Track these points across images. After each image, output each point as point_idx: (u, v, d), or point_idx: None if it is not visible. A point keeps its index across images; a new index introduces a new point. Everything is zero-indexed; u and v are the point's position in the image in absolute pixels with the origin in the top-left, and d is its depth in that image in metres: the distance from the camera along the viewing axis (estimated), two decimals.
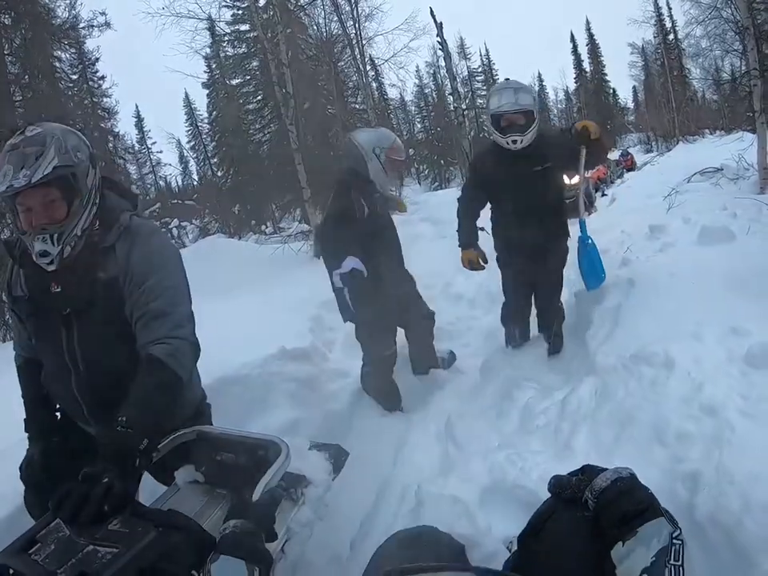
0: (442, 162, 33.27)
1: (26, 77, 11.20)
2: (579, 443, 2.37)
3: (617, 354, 2.84)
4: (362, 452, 3.06)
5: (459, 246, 3.57)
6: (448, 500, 2.13)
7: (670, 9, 31.75)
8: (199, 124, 32.32)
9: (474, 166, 3.66)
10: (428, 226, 9.25)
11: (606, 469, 1.08)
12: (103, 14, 12.27)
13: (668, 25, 33.21)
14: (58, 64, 12.74)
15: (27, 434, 1.86)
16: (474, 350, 4.22)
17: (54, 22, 12.03)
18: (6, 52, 10.88)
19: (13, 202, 1.58)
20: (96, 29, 12.41)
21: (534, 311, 3.80)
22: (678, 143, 26.41)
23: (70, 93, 13.27)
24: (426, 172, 36.81)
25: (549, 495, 1.15)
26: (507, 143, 3.20)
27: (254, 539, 1.18)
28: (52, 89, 11.57)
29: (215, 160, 26.44)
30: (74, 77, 14.89)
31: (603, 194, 11.82)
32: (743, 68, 9.52)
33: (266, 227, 19.45)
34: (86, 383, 1.69)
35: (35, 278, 1.69)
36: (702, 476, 1.85)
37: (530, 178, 3.21)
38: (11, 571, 1.14)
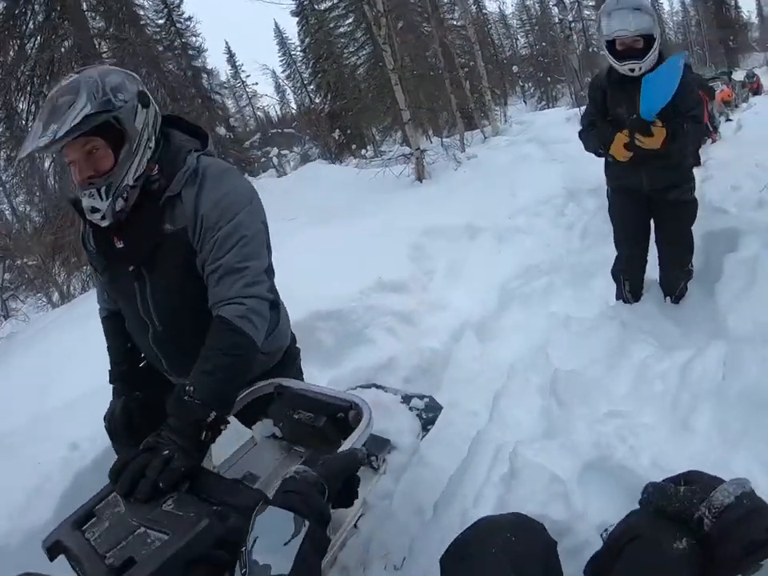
0: (549, 79, 31.48)
1: (110, 29, 11.53)
2: (701, 423, 2.08)
3: (753, 320, 2.52)
4: (456, 398, 2.96)
5: (601, 147, 3.02)
6: (545, 476, 1.90)
7: None
8: (292, 53, 32.46)
9: (593, 97, 3.16)
10: (535, 147, 8.67)
11: (718, 478, 0.88)
12: None
13: None
14: (141, 12, 13.23)
15: (111, 385, 1.81)
16: (587, 291, 3.93)
17: None
18: (84, 8, 11.22)
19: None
20: None
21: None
22: None
23: (158, 37, 13.83)
24: (532, 90, 35.14)
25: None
26: (623, 70, 2.84)
27: (310, 490, 1.02)
28: (139, 36, 11.80)
29: (312, 87, 26.69)
30: (160, 21, 15.62)
31: (728, 119, 10.60)
32: None
33: (367, 151, 19.41)
34: (162, 337, 1.61)
35: (100, 233, 1.58)
36: None
37: None
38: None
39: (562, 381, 2.52)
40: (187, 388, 1.32)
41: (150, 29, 13.35)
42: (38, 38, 10.99)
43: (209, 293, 1.50)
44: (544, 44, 31.89)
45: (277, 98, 36.41)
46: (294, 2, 23.75)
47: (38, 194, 12.27)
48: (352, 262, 4.13)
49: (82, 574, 1.07)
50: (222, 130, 14.64)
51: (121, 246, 1.54)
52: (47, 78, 10.74)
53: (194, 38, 15.61)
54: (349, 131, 21.10)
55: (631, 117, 2.81)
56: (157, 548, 1.01)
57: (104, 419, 1.75)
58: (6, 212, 15.93)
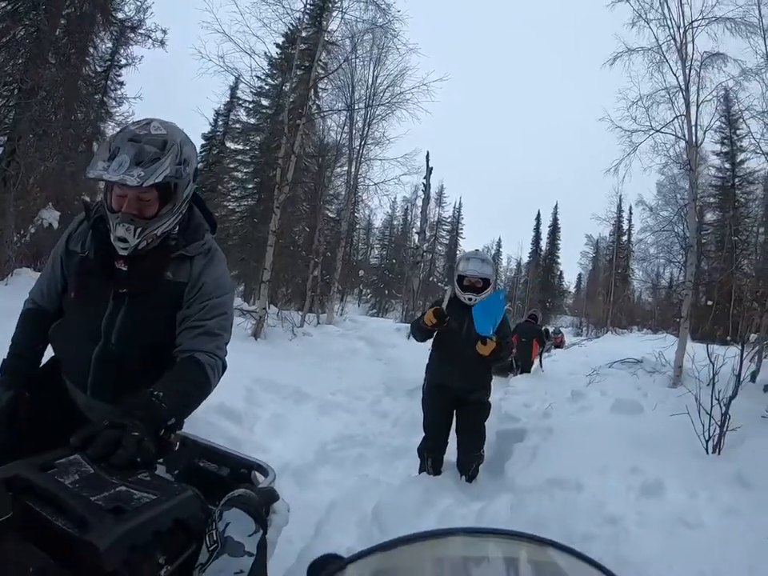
0: (387, 292, 34.27)
1: (63, 42, 11.26)
2: None
3: (533, 479, 3.27)
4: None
5: (422, 320, 3.92)
6: None
7: (630, 214, 35.55)
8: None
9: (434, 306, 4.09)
10: (365, 345, 9.81)
11: None
12: (164, 32, 12.62)
13: (625, 227, 37.15)
14: (92, 49, 12.60)
15: (0, 375, 1.83)
16: (394, 466, 4.47)
17: (116, 14, 12.28)
18: (63, 12, 10.95)
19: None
20: (150, 40, 12.73)
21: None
22: (607, 332, 28.88)
23: (87, 81, 12.96)
24: (369, 297, 37.77)
25: None
26: (464, 299, 3.87)
27: (261, 504, 1.23)
28: (76, 66, 11.50)
29: None
30: (99, 69, 14.29)
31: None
32: (680, 278, 10.70)
33: None
34: (107, 356, 1.71)
35: (104, 247, 1.73)
36: (603, 561, 2.24)
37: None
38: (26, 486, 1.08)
39: (383, 511, 3.00)
40: (156, 393, 1.46)
41: (88, 68, 12.64)
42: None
43: (182, 341, 1.71)
44: (394, 261, 35.05)
45: None
46: (210, 126, 23.89)
47: None
48: None
49: (53, 512, 1.03)
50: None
51: (124, 269, 1.71)
52: None
53: (114, 104, 14.78)
54: None
55: (462, 330, 3.76)
56: (148, 502, 1.09)
57: None
58: None
